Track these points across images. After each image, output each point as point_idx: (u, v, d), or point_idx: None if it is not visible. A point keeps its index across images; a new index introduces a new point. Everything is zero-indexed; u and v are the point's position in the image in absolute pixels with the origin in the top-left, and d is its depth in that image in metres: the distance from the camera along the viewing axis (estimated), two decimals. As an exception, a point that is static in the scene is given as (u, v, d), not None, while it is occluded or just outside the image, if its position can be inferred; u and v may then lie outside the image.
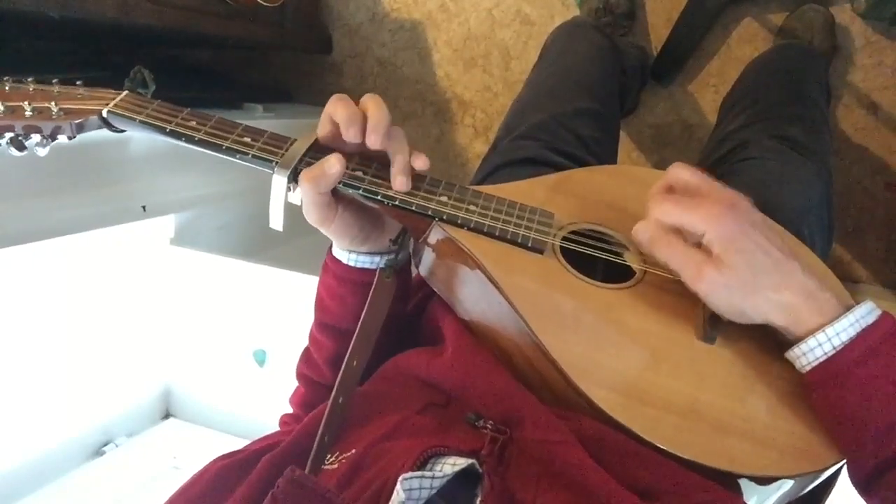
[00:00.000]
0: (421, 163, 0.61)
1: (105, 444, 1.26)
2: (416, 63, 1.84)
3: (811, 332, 0.51)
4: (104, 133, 0.68)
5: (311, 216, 0.61)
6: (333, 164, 0.57)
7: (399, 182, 0.60)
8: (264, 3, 1.51)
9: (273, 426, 0.71)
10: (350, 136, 0.58)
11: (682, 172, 0.57)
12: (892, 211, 1.50)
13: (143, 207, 1.19)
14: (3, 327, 1.02)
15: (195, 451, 1.29)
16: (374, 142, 0.58)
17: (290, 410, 0.75)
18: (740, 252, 0.52)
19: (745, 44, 1.53)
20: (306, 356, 0.73)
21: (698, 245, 0.54)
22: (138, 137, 1.18)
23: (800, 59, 1.27)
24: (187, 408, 1.40)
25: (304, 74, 1.98)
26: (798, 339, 0.52)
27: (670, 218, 0.54)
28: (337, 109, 0.59)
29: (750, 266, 0.52)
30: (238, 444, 0.56)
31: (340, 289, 0.67)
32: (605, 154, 1.02)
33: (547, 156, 0.91)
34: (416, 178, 0.62)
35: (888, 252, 1.53)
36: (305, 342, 0.74)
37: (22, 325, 1.05)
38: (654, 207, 0.56)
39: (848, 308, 0.52)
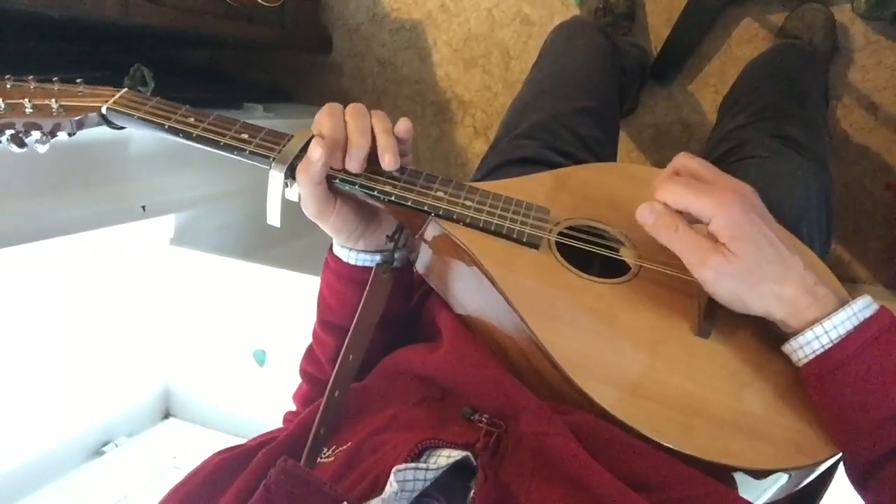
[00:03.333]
0: (403, 127, 0.62)
1: (105, 444, 1.26)
2: (416, 63, 1.85)
3: (808, 326, 0.51)
4: (104, 133, 0.69)
5: (309, 209, 0.61)
6: (314, 150, 0.58)
7: (387, 160, 0.60)
8: (264, 3, 1.52)
9: (273, 426, 0.70)
10: (335, 163, 0.60)
11: (688, 161, 0.57)
12: (892, 211, 1.50)
13: (143, 207, 1.20)
14: (4, 327, 1.02)
15: (195, 450, 1.29)
16: (354, 168, 0.60)
17: (293, 408, 0.76)
18: (748, 241, 0.52)
19: (745, 44, 1.53)
20: (309, 353, 0.74)
21: (702, 231, 0.54)
22: (138, 137, 1.18)
23: (799, 58, 1.26)
24: (187, 408, 1.40)
25: (304, 74, 1.99)
26: (795, 333, 0.52)
27: (678, 201, 0.54)
28: (323, 129, 0.60)
29: (756, 256, 0.52)
30: (238, 443, 0.56)
31: (341, 286, 0.67)
32: (605, 154, 1.02)
33: (546, 155, 0.91)
34: (413, 174, 0.63)
35: (888, 252, 1.53)
36: (305, 342, 0.74)
37: (22, 325, 1.05)
38: (661, 189, 0.55)
39: (845, 303, 0.52)
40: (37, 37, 1.24)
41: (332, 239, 0.68)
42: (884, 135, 1.48)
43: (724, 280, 0.52)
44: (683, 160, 0.57)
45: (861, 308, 0.51)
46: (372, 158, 0.62)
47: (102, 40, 1.39)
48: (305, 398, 0.74)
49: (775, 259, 0.52)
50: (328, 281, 0.69)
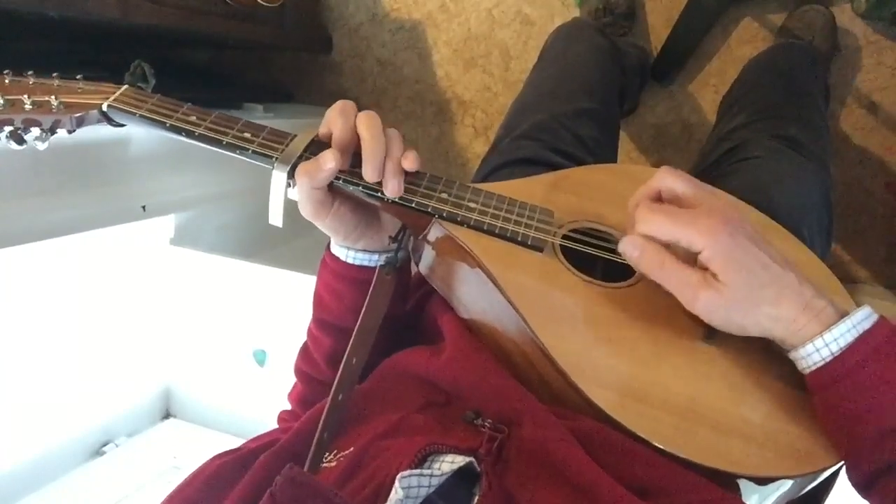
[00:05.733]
0: (409, 162, 0.60)
1: (105, 444, 1.26)
2: (416, 63, 1.84)
3: (808, 341, 0.51)
4: (104, 132, 0.68)
5: (305, 209, 0.60)
6: (328, 161, 0.57)
7: (390, 187, 0.59)
8: (264, 3, 1.51)
9: (273, 426, 0.71)
10: (344, 163, 0.59)
11: (669, 180, 0.55)
12: (893, 211, 1.50)
13: (143, 207, 1.19)
14: (3, 328, 1.02)
15: (195, 451, 1.29)
16: (369, 175, 0.58)
17: (288, 407, 0.75)
18: (740, 269, 0.51)
19: (745, 44, 1.53)
20: (304, 353, 0.73)
21: (689, 259, 0.53)
22: (138, 137, 1.18)
23: (800, 58, 1.26)
24: (187, 408, 1.40)
25: (304, 74, 1.98)
26: (795, 348, 0.52)
27: (663, 234, 0.53)
28: (335, 127, 0.59)
29: (749, 283, 0.51)
30: (238, 443, 0.56)
31: (338, 286, 0.67)
32: (605, 154, 1.02)
33: (547, 156, 0.91)
34: (417, 175, 0.62)
35: (888, 252, 1.53)
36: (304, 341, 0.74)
37: (22, 326, 1.05)
38: (643, 221, 0.54)
39: (843, 314, 0.51)
40: (37, 37, 1.23)
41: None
42: (884, 135, 1.48)
43: (718, 312, 0.52)
44: (664, 180, 0.56)
45: (860, 319, 0.51)
46: None
47: (102, 40, 1.39)
48: (301, 398, 0.74)
49: (769, 282, 0.51)
50: (325, 280, 0.69)
